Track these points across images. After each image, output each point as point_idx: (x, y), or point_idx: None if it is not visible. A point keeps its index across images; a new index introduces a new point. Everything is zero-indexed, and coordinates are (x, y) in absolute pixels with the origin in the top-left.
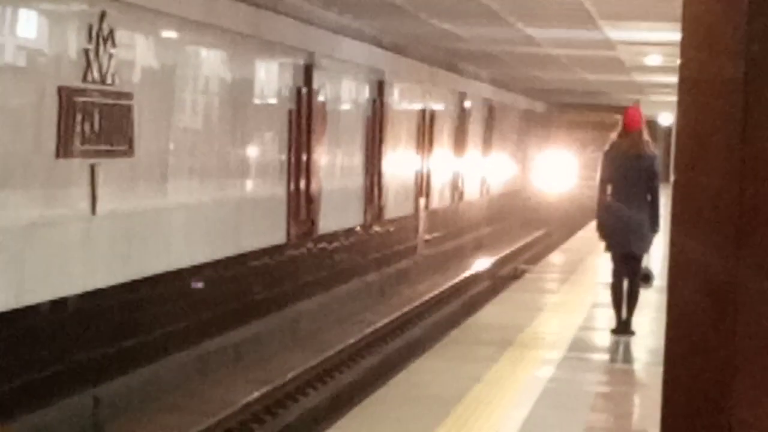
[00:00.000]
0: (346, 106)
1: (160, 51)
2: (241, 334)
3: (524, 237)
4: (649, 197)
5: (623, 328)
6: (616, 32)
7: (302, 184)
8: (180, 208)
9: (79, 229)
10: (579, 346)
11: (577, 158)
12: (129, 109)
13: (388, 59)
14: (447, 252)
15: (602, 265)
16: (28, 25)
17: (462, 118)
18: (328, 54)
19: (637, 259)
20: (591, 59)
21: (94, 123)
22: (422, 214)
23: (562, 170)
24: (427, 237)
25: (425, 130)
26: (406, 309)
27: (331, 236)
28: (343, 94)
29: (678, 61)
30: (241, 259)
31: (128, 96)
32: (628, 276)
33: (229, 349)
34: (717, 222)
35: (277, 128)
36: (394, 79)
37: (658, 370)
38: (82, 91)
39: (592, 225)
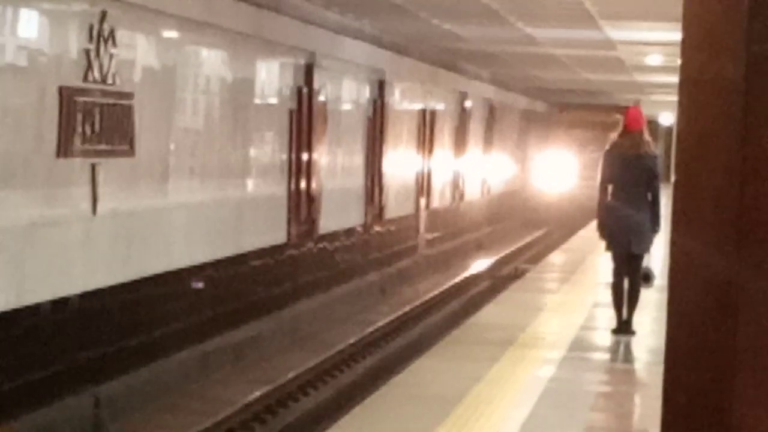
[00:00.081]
0: (346, 106)
1: (161, 51)
2: (241, 334)
3: (524, 237)
4: (649, 197)
5: (624, 327)
6: (616, 32)
7: (303, 183)
8: (180, 208)
9: (79, 229)
10: (580, 346)
11: (578, 158)
12: (130, 108)
13: (388, 59)
14: (448, 252)
15: (603, 264)
16: (29, 25)
17: (462, 117)
18: (329, 54)
19: (638, 259)
20: (591, 59)
21: (94, 123)
22: (423, 213)
23: (562, 170)
24: (428, 237)
25: (426, 129)
26: (406, 309)
27: (332, 236)
28: (344, 94)
29: (678, 61)
30: (241, 258)
31: (129, 96)
32: (629, 276)
33: (230, 348)
34: (718, 222)
35: (278, 128)
36: (394, 79)
37: (659, 370)
38: (82, 91)
39: (593, 225)
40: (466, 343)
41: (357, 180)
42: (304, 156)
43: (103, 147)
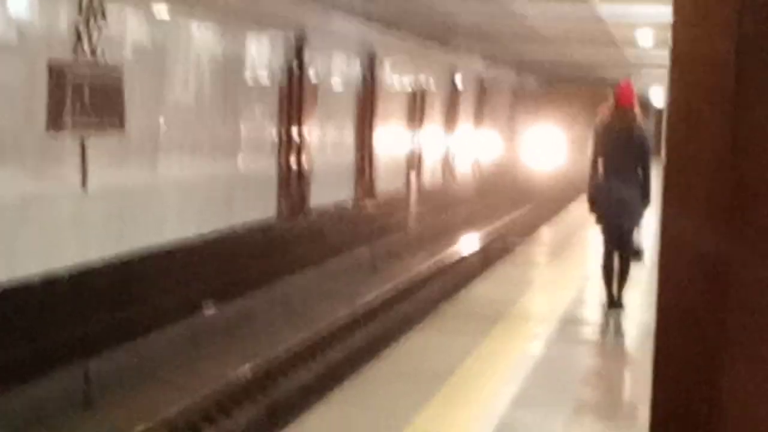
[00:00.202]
0: (337, 82)
1: (151, 26)
2: (231, 309)
3: (515, 212)
4: (640, 172)
5: (614, 302)
6: (607, 8)
7: (293, 159)
8: (170, 183)
9: (69, 203)
10: (570, 321)
11: (568, 134)
12: (120, 83)
13: (379, 35)
14: (438, 226)
15: (593, 240)
16: None
17: (454, 93)
18: (320, 29)
19: (628, 234)
20: (582, 36)
21: (84, 97)
22: (413, 189)
23: (553, 146)
24: (419, 211)
25: (416, 105)
26: (397, 283)
27: (322, 212)
28: (335, 70)
29: (670, 39)
30: (231, 233)
31: (119, 70)
32: (619, 251)
33: (220, 324)
34: (709, 198)
35: (268, 104)
36: (385, 55)
37: (649, 345)
38: (72, 66)
39: (582, 199)
40: (457, 317)
41: (347, 156)
42: (294, 132)
43: (92, 121)
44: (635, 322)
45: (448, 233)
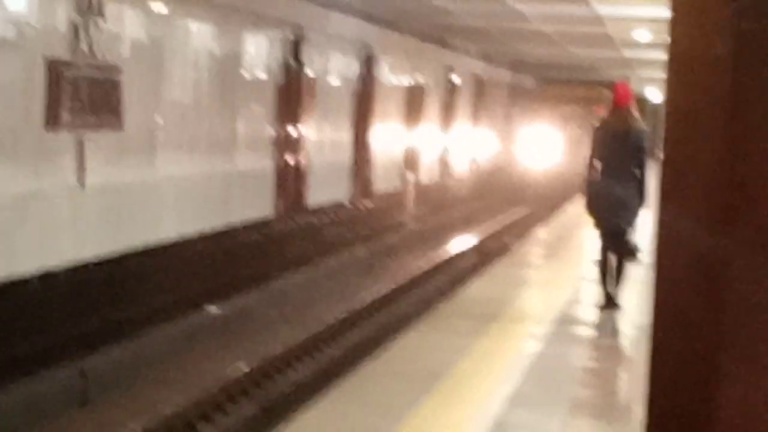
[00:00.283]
0: (334, 81)
1: (150, 24)
2: (228, 308)
3: (511, 212)
4: (637, 173)
5: (610, 302)
6: (605, 8)
7: (290, 157)
8: (168, 181)
9: (66, 201)
10: (566, 321)
11: (564, 134)
12: (118, 82)
13: (377, 33)
14: (435, 226)
15: (590, 240)
16: None
17: (451, 92)
18: (317, 28)
19: (625, 234)
20: (580, 35)
21: (82, 96)
22: (410, 188)
23: (549, 145)
24: (415, 212)
25: (414, 104)
26: (393, 282)
27: (319, 210)
28: (332, 68)
29: (667, 38)
30: (229, 232)
31: (117, 69)
32: (616, 251)
33: (217, 322)
34: (705, 198)
35: (266, 102)
36: (382, 54)
37: (645, 345)
38: (70, 64)
39: (578, 198)
40: (452, 317)
41: (344, 154)
42: (292, 130)
43: (90, 120)
44: (631, 321)
45: (445, 232)
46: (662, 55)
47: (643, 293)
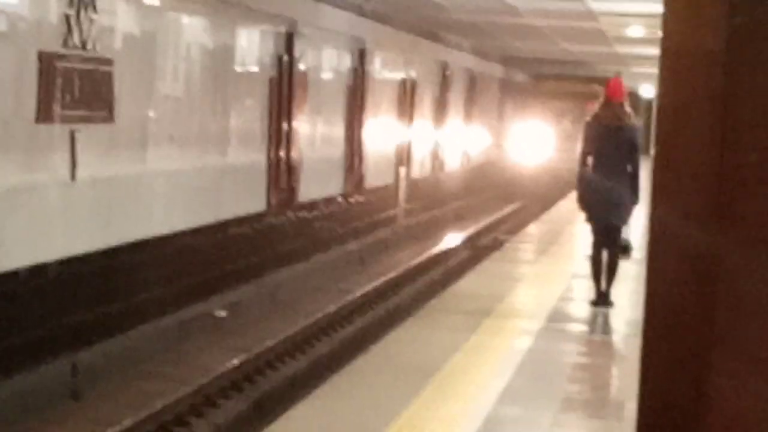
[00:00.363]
0: (327, 75)
1: (142, 17)
2: (220, 303)
3: (503, 207)
4: (629, 168)
5: (602, 299)
6: (598, 3)
7: (282, 152)
8: (160, 175)
9: (58, 194)
10: (558, 317)
11: (556, 129)
12: (109, 75)
13: (369, 28)
14: (427, 221)
15: (582, 236)
16: None
17: (443, 87)
18: (310, 22)
19: (617, 231)
20: (573, 30)
21: (74, 89)
22: (402, 183)
23: (541, 141)
24: (407, 206)
25: (406, 99)
26: (385, 278)
27: (311, 205)
28: (325, 63)
29: (660, 33)
30: (221, 226)
31: (109, 62)
32: (608, 247)
33: (209, 316)
34: (697, 194)
35: (258, 96)
36: (375, 48)
37: (637, 342)
38: (62, 57)
39: (572, 196)
40: (444, 312)
41: (337, 149)
42: (284, 124)
43: (82, 113)
44: (623, 318)
45: (438, 228)
46: (655, 51)
47: (635, 289)
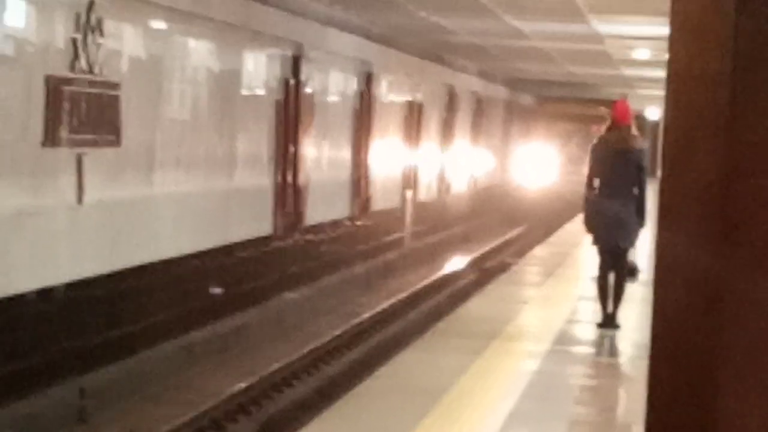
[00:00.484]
0: (334, 98)
1: (149, 41)
2: (227, 325)
3: (509, 230)
4: (636, 191)
5: (609, 321)
6: (604, 26)
7: (289, 175)
8: (166, 199)
9: (65, 218)
10: (564, 339)
11: (563, 152)
12: (116, 99)
13: (376, 51)
14: (433, 244)
15: (588, 258)
16: (16, 14)
17: (449, 109)
18: (317, 45)
19: (624, 253)
20: (579, 53)
21: (81, 112)
22: (409, 206)
23: (547, 163)
24: (414, 229)
25: (413, 122)
26: (392, 301)
27: (318, 228)
28: (331, 86)
29: (666, 56)
30: (227, 249)
31: (116, 86)
32: (615, 270)
33: (215, 339)
34: (704, 217)
35: (265, 119)
36: (382, 71)
37: (643, 364)
38: (69, 81)
39: (578, 219)
40: (451, 335)
41: (343, 172)
42: (291, 147)
43: (89, 137)
44: (630, 340)
45: (444, 250)
46: (661, 73)
47: (642, 312)
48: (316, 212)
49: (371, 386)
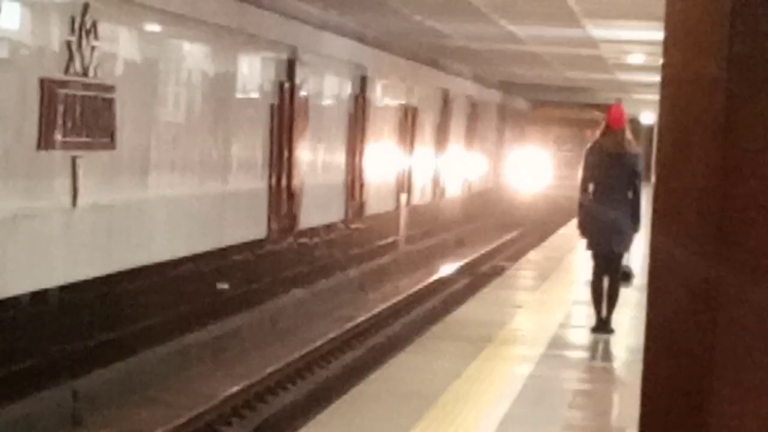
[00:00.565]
0: (328, 102)
1: (143, 44)
2: (221, 329)
3: (504, 235)
4: (630, 195)
5: (603, 326)
6: (599, 30)
7: (283, 178)
8: (161, 202)
9: (59, 221)
10: (558, 344)
11: (557, 156)
12: (111, 101)
13: (371, 55)
14: (428, 248)
15: (582, 263)
16: (10, 16)
17: (444, 113)
18: (311, 49)
19: (618, 258)
20: (574, 57)
21: (75, 115)
22: (403, 210)
23: (541, 168)
24: (408, 233)
25: (407, 125)
26: (386, 305)
27: (312, 231)
28: (326, 90)
29: (660, 60)
30: (221, 253)
31: (110, 89)
32: (609, 274)
33: (210, 343)
34: (698, 221)
35: (259, 123)
36: (376, 75)
37: (638, 368)
38: (64, 83)
39: (572, 223)
40: (445, 339)
41: (338, 176)
42: (285, 151)
43: (83, 139)
44: (624, 344)
45: (438, 253)
46: (656, 78)
47: (635, 316)
48: (310, 216)
49: (365, 390)
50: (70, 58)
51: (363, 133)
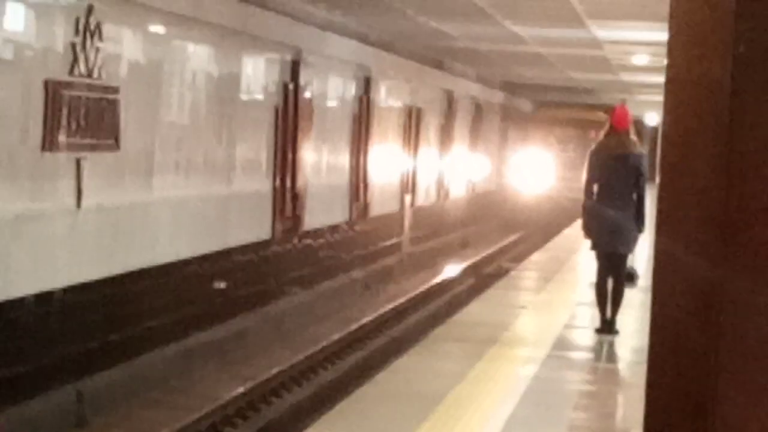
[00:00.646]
0: (332, 103)
1: (147, 45)
2: (225, 330)
3: (508, 236)
4: (635, 196)
5: (607, 327)
6: (603, 31)
7: (288, 179)
8: (165, 203)
9: (64, 222)
10: (563, 345)
11: (561, 157)
12: (115, 103)
13: (375, 56)
14: (432, 249)
15: (587, 263)
16: (15, 18)
17: (448, 114)
18: (315, 50)
19: (622, 259)
20: (578, 58)
21: (80, 117)
22: (407, 211)
23: (545, 169)
24: (412, 234)
25: (412, 127)
26: (390, 306)
27: (317, 232)
28: (330, 91)
29: (665, 61)
30: (225, 254)
31: (115, 90)
32: (613, 275)
33: (214, 345)
34: (702, 222)
35: (264, 124)
36: (380, 76)
37: (642, 370)
38: (68, 85)
39: (576, 224)
40: (449, 341)
41: (342, 177)
42: (290, 152)
43: (88, 141)
44: (628, 345)
45: (442, 254)
46: (660, 79)
47: (640, 317)
48: (314, 217)
49: (369, 391)
50: (75, 60)
51: (367, 134)
